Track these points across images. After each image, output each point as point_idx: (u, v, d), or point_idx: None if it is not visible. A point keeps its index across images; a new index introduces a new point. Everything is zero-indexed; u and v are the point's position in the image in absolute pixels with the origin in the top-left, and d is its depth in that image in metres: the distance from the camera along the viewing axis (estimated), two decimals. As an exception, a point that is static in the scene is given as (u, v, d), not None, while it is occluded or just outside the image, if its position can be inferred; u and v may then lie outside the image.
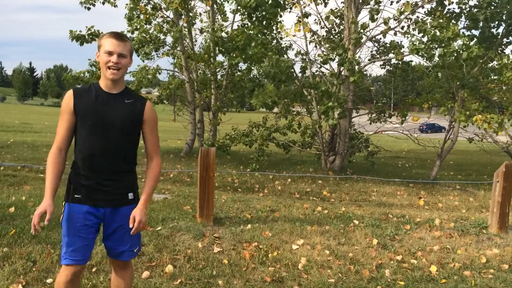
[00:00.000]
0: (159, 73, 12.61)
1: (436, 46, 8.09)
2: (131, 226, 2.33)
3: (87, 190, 2.37)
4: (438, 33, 7.92)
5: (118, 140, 2.37)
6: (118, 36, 2.34)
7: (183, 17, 12.03)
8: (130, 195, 2.49)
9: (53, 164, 2.35)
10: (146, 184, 2.45)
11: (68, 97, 2.36)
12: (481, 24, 9.34)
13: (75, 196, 2.37)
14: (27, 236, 4.16)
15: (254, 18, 9.38)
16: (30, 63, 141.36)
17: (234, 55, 9.57)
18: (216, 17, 12.94)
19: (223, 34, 9.78)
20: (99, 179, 2.37)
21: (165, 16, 11.99)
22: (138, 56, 11.47)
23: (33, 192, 6.11)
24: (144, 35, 10.93)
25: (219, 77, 13.18)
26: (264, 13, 9.30)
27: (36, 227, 2.22)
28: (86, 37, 11.04)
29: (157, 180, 2.50)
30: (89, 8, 11.15)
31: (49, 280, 3.36)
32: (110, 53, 2.31)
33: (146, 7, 11.37)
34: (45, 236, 4.19)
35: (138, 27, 11.05)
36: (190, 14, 12.61)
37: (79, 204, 2.37)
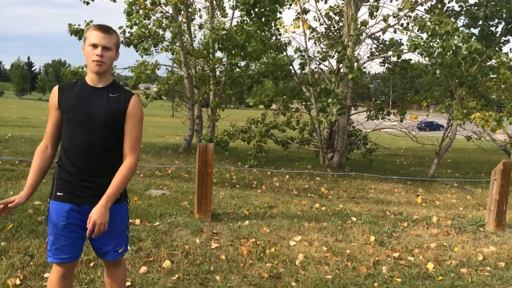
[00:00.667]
0: (158, 69, 12.60)
1: (436, 41, 8.07)
2: (87, 226, 2.17)
3: (70, 187, 2.31)
4: (437, 28, 7.90)
5: (102, 135, 2.29)
6: (103, 28, 2.29)
7: (182, 12, 12.00)
8: None
9: (37, 159, 2.34)
10: (110, 184, 2.26)
11: (53, 94, 2.35)
12: (480, 22, 9.35)
13: (57, 194, 2.33)
14: (25, 231, 4.16)
15: (253, 15, 9.36)
16: (28, 58, 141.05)
17: (233, 53, 9.56)
18: (215, 13, 12.91)
19: (223, 32, 9.78)
20: (83, 175, 2.30)
21: (164, 11, 11.96)
22: (137, 51, 11.45)
23: (31, 186, 6.09)
24: (143, 30, 10.91)
25: (218, 73, 13.17)
26: (263, 9, 9.29)
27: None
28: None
29: (124, 181, 2.29)
30: (88, 3, 11.10)
31: (46, 275, 3.36)
32: (95, 46, 2.25)
33: (145, 2, 11.32)
34: (42, 231, 4.19)
35: (137, 22, 11.04)
36: (189, 9, 12.58)
37: (61, 202, 2.31)
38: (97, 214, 2.17)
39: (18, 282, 3.20)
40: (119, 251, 2.46)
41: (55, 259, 2.33)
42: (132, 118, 2.33)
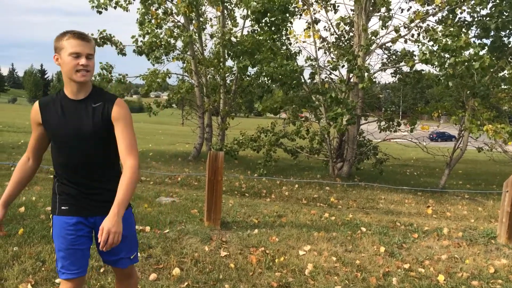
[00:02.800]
0: (169, 77, 12.71)
1: (447, 55, 8.06)
2: (99, 238, 2.02)
3: (74, 200, 2.27)
4: (449, 42, 7.90)
5: (95, 148, 2.21)
6: (83, 36, 2.15)
7: (193, 22, 12.13)
8: None
9: (18, 171, 2.34)
10: (118, 191, 2.12)
11: (35, 111, 2.26)
12: (492, 33, 9.32)
13: (62, 208, 2.27)
14: (37, 236, 4.20)
15: (263, 24, 9.43)
16: (41, 65, 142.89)
17: (242, 58, 9.62)
18: (226, 23, 13.02)
19: (232, 38, 9.85)
20: (85, 187, 2.25)
21: (176, 21, 12.09)
22: (149, 60, 11.58)
23: (43, 192, 6.17)
24: (155, 39, 11.03)
25: (228, 82, 13.24)
26: (273, 18, 9.35)
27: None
28: (98, 40, 11.16)
29: (132, 184, 2.14)
30: (100, 12, 11.26)
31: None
32: (77, 55, 2.11)
33: (157, 11, 11.47)
34: (54, 237, 4.23)
35: (149, 31, 11.16)
36: (201, 19, 12.70)
37: (67, 216, 2.26)
38: (111, 223, 2.02)
39: (29, 287, 3.24)
40: (131, 257, 2.43)
41: (69, 274, 2.27)
42: (120, 122, 2.22)
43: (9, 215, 4.80)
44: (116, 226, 2.03)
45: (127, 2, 11.59)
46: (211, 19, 13.68)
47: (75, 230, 2.26)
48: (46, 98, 2.29)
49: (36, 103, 2.28)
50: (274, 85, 10.40)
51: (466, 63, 7.82)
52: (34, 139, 2.34)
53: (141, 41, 11.47)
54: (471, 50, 7.98)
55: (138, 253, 2.56)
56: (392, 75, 12.20)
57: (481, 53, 8.02)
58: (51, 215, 2.33)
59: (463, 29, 9.60)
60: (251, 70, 11.56)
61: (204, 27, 13.23)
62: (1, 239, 4.04)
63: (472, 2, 8.87)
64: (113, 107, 2.22)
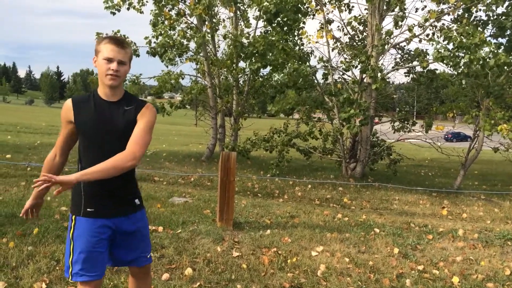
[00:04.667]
0: (182, 78, 12.77)
1: (462, 53, 7.95)
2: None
3: (100, 201, 2.29)
4: (464, 40, 7.80)
5: (123, 148, 2.21)
6: (119, 42, 2.22)
7: (206, 23, 12.16)
8: (137, 201, 2.42)
9: (46, 167, 2.41)
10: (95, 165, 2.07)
11: (67, 108, 2.29)
12: (508, 32, 9.17)
13: (88, 210, 2.27)
14: (51, 236, 4.26)
15: (275, 24, 9.42)
16: (58, 67, 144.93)
17: (254, 60, 9.61)
18: (239, 23, 13.04)
19: (244, 40, 9.85)
20: (111, 187, 2.28)
21: (189, 22, 12.14)
22: (162, 61, 11.64)
23: (58, 192, 6.23)
24: (168, 41, 11.09)
25: (241, 82, 13.26)
26: (285, 19, 9.33)
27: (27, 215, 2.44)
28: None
29: (110, 166, 2.08)
30: (114, 13, 11.36)
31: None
32: (109, 60, 2.19)
33: (171, 13, 11.53)
34: (68, 236, 4.28)
35: (162, 32, 11.22)
36: (214, 20, 12.74)
37: (93, 218, 2.27)
38: (64, 177, 1.96)
39: (44, 286, 3.28)
40: (147, 256, 2.48)
41: (89, 277, 2.26)
42: (142, 120, 2.28)
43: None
44: (68, 180, 1.95)
45: (141, 3, 11.68)
46: (224, 20, 13.71)
47: (99, 233, 2.28)
48: (79, 97, 2.34)
49: (69, 101, 2.31)
50: (287, 88, 10.38)
51: (481, 60, 7.70)
52: (63, 136, 2.38)
53: (154, 42, 11.55)
54: (487, 49, 7.86)
55: (151, 253, 2.60)
56: (406, 75, 12.09)
57: (497, 51, 7.89)
58: (73, 216, 2.30)
59: (479, 28, 9.46)
60: (264, 71, 11.58)
61: (217, 28, 13.26)
62: (16, 239, 4.11)
63: (488, 0, 8.74)
64: (142, 109, 2.31)
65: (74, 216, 2.30)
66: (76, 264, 2.26)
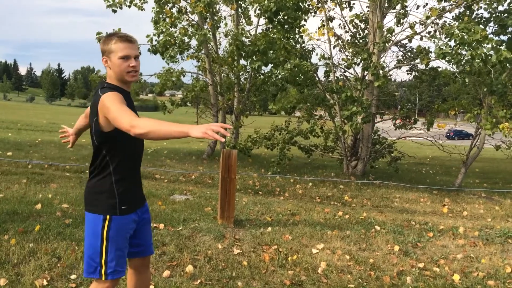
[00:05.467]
0: (183, 76, 12.77)
1: (464, 50, 7.93)
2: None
3: (132, 196, 2.35)
4: (466, 36, 7.77)
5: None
6: (129, 38, 2.26)
7: (208, 20, 12.15)
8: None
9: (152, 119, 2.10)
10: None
11: (122, 97, 2.21)
12: (509, 29, 9.16)
13: (122, 208, 2.29)
14: (53, 233, 4.27)
15: (275, 22, 9.40)
16: (59, 65, 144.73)
17: (255, 58, 9.61)
18: (241, 21, 13.02)
19: (244, 38, 9.84)
20: (138, 179, 2.44)
21: (190, 19, 12.13)
22: (163, 59, 11.63)
23: (59, 190, 6.26)
24: (169, 38, 11.08)
25: (242, 80, 13.24)
26: (286, 17, 9.31)
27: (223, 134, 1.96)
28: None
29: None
30: (115, 11, 11.35)
31: (73, 276, 3.44)
32: (127, 58, 2.22)
33: (172, 10, 11.52)
34: (70, 233, 4.30)
35: (164, 30, 11.21)
36: (215, 17, 12.72)
37: (127, 215, 2.31)
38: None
39: (45, 283, 3.29)
40: (151, 246, 2.59)
41: (122, 273, 2.32)
42: None
43: (25, 212, 4.89)
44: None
45: (142, 1, 11.67)
46: (225, 18, 13.69)
47: (131, 228, 2.36)
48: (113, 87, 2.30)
49: (116, 92, 2.21)
50: (287, 84, 10.37)
51: (483, 57, 7.67)
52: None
53: (155, 40, 11.54)
54: (489, 45, 7.84)
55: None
56: (408, 72, 12.07)
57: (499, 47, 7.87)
58: (107, 215, 2.25)
59: (480, 26, 9.44)
60: (265, 69, 11.57)
61: (218, 25, 13.24)
62: (18, 236, 4.12)
63: (489, -2, 8.73)
64: None
65: (108, 216, 2.26)
66: (112, 262, 2.27)
